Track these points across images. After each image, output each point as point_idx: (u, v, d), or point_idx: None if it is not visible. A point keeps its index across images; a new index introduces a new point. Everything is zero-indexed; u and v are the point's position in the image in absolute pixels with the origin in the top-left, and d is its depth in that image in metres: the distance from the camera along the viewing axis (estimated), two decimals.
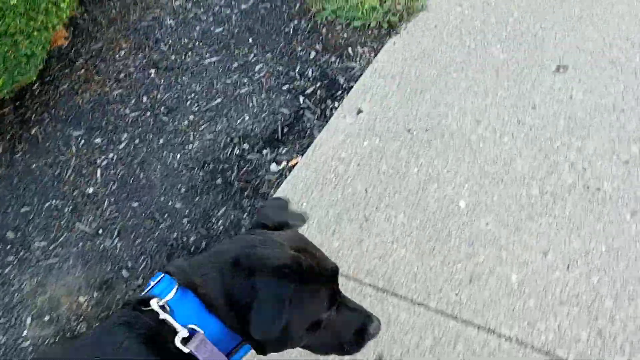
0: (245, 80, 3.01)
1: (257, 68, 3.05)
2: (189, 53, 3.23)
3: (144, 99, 3.04)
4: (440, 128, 2.49)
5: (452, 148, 2.41)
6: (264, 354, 1.31)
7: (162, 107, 2.97)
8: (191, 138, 2.79)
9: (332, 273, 1.33)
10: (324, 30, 3.14)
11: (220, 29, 3.34)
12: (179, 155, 2.73)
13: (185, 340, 1.14)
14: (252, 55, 3.12)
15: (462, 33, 2.91)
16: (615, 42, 2.69)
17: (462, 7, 3.06)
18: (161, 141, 2.82)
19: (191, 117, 2.89)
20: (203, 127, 2.82)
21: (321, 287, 1.28)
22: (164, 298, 1.18)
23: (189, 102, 2.96)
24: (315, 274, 1.25)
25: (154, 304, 1.17)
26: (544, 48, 2.74)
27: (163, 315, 1.15)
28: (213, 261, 1.24)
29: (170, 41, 3.33)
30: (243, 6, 3.45)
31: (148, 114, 2.97)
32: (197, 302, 1.18)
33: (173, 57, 3.23)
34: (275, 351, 1.30)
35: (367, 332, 1.39)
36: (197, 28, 3.38)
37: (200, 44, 3.28)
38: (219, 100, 2.94)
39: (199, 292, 1.19)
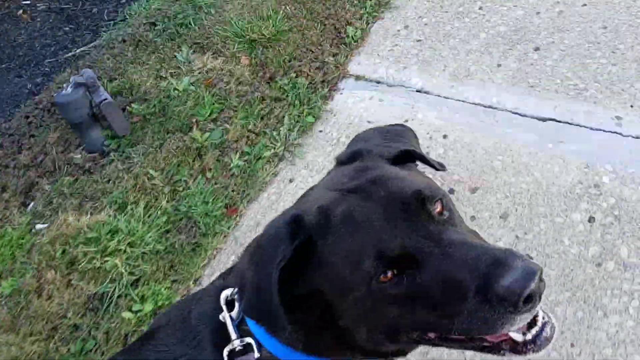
0: None
1: None
2: None
3: None
4: None
5: None
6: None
7: None
8: None
9: (395, 210, 0.88)
10: None
11: None
12: None
13: (237, 354, 0.99)
14: None
15: None
16: None
17: None
18: None
19: None
20: None
21: (367, 234, 0.86)
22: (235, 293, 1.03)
23: None
24: (349, 220, 0.88)
25: (222, 297, 1.05)
26: None
27: (222, 316, 1.03)
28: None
29: None
30: None
31: None
32: None
33: None
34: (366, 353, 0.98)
35: (493, 292, 0.80)
36: None
37: None
38: None
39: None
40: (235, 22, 3.20)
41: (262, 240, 0.93)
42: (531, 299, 0.80)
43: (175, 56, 3.07)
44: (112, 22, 3.63)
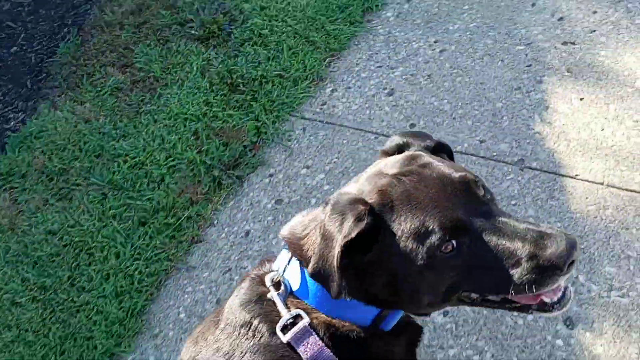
0: None
1: None
2: None
3: None
4: None
5: None
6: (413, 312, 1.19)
7: None
8: None
9: (449, 190, 1.04)
10: None
11: None
12: None
13: (289, 327, 1.06)
14: None
15: None
16: None
17: None
18: None
19: None
20: None
21: (428, 210, 1.01)
22: (281, 272, 1.13)
23: None
24: (409, 199, 1.02)
25: (268, 280, 1.13)
26: None
27: (271, 295, 1.11)
28: (315, 217, 1.13)
29: None
30: None
31: None
32: (304, 276, 1.09)
33: None
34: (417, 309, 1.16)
35: (545, 258, 0.99)
36: None
37: None
38: None
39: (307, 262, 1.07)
40: None
41: (329, 221, 1.02)
42: (573, 263, 0.99)
43: None
44: None
